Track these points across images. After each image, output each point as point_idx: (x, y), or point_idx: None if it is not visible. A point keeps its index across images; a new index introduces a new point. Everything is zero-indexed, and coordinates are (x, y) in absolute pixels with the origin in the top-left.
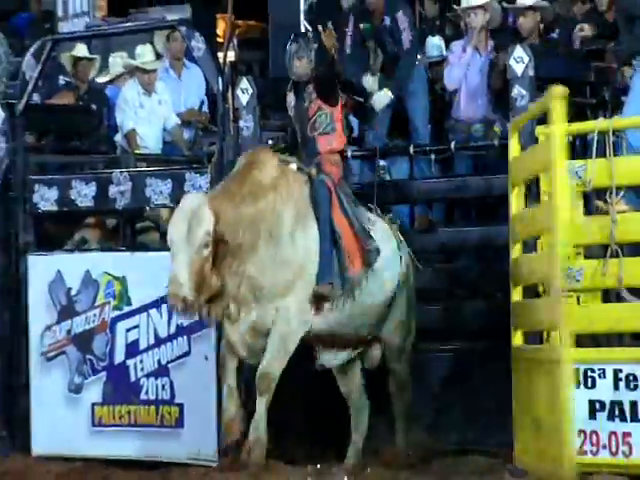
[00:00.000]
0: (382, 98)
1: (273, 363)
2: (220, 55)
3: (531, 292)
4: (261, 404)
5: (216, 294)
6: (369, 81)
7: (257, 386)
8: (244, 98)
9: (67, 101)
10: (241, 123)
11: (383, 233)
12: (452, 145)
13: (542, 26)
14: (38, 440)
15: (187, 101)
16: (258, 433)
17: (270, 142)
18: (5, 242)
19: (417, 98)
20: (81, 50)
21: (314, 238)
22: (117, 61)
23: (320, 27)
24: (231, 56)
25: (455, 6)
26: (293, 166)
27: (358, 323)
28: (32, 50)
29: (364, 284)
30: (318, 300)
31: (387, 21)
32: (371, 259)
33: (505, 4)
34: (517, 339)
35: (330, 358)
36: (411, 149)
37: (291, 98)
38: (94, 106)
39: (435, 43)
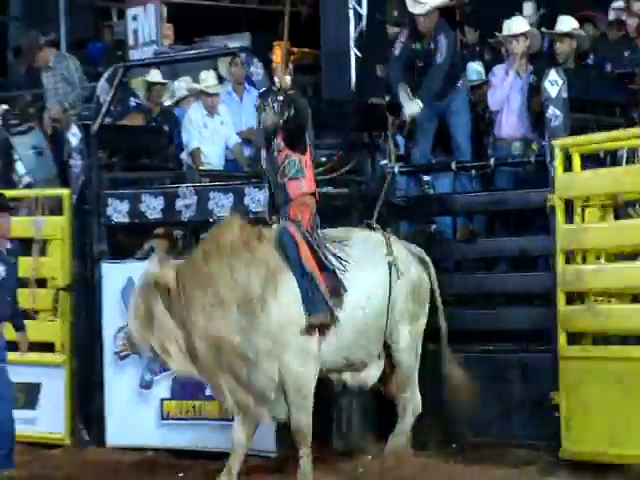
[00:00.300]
0: (412, 107)
1: (299, 417)
2: (277, 79)
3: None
4: (303, 456)
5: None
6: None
7: (295, 441)
8: None
9: (137, 122)
10: None
11: (365, 249)
12: (492, 161)
13: (577, 52)
14: (112, 433)
15: (247, 121)
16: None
17: (323, 159)
18: (81, 251)
19: (459, 117)
20: (155, 76)
21: (289, 289)
22: (182, 85)
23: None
24: (287, 80)
25: (497, 33)
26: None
27: (363, 341)
28: (105, 76)
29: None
30: (319, 329)
31: (433, 44)
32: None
33: (544, 30)
34: (562, 341)
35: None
36: (453, 165)
37: (263, 152)
38: (166, 127)
39: (475, 68)
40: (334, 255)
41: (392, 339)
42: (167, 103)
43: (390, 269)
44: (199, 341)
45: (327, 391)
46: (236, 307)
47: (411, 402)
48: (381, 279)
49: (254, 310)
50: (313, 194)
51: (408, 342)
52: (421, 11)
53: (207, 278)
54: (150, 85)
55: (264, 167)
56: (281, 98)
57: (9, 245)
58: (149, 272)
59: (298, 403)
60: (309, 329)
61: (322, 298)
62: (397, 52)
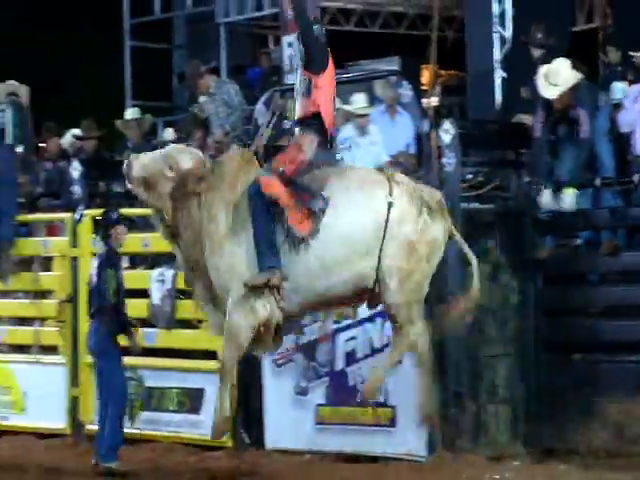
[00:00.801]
0: (569, 200)
1: (225, 353)
2: (425, 101)
3: None
4: (222, 389)
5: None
6: None
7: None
8: (446, 138)
9: None
10: (444, 160)
11: (356, 185)
12: (635, 178)
13: None
14: (270, 436)
15: (398, 142)
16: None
17: (470, 176)
18: None
19: (602, 136)
20: None
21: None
22: None
23: None
24: (435, 101)
25: (633, 53)
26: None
27: (334, 278)
28: (263, 99)
29: (315, 240)
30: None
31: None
32: (316, 219)
33: None
34: None
35: None
36: (598, 181)
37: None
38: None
39: (620, 87)
40: (320, 196)
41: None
42: None
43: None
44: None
45: (477, 399)
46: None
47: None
48: (369, 220)
49: (214, 248)
50: (317, 115)
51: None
52: (555, 94)
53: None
54: None
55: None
56: None
57: None
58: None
59: (226, 341)
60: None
61: (273, 257)
62: (537, 134)
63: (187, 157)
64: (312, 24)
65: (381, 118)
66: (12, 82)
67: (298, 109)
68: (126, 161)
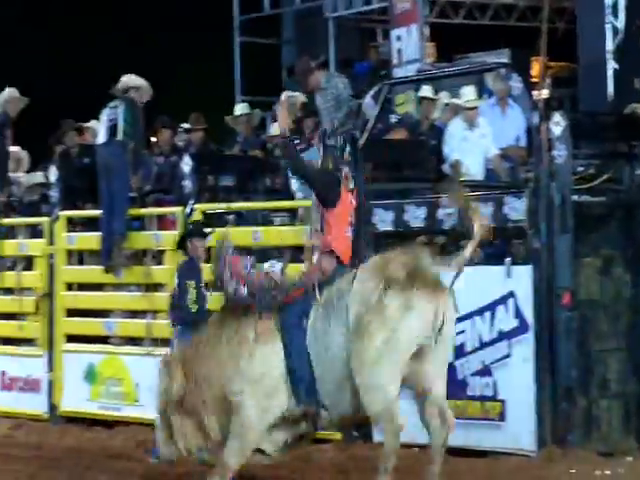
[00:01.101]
0: None
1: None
2: (535, 93)
3: None
4: None
5: None
6: None
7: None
8: (557, 130)
9: (400, 136)
10: (554, 153)
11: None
12: None
13: None
14: (377, 429)
15: (509, 135)
16: None
17: (581, 169)
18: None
19: None
20: (426, 91)
21: None
22: (441, 101)
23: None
24: (545, 93)
25: None
26: None
27: None
28: (371, 93)
29: None
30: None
31: None
32: None
33: None
34: None
35: None
36: None
37: None
38: (434, 141)
39: None
40: None
41: None
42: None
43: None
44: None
45: (588, 394)
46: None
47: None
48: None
49: None
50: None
51: None
52: None
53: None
54: (420, 100)
55: None
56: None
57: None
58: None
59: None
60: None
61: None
62: None
63: None
64: (312, 169)
65: (492, 111)
66: (133, 77)
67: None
68: None
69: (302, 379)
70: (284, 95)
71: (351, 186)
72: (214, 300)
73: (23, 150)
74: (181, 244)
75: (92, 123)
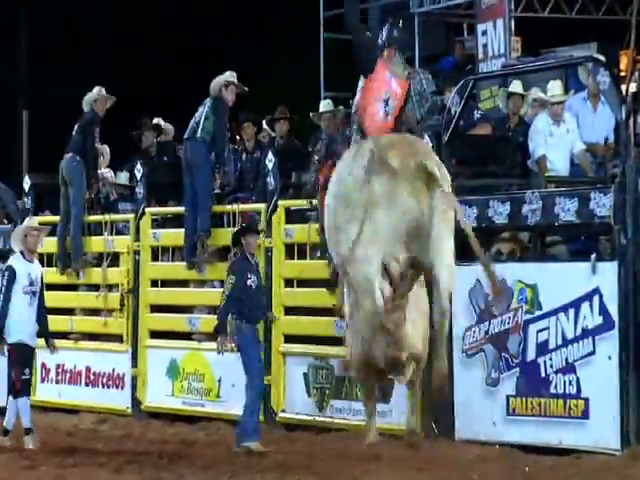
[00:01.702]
0: None
1: None
2: (623, 87)
3: None
4: None
5: None
6: None
7: None
8: None
9: (484, 132)
10: None
11: None
12: None
13: None
14: (460, 426)
15: (598, 132)
16: None
17: None
18: None
19: None
20: (516, 86)
21: None
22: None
23: None
24: (633, 87)
25: None
26: None
27: None
28: (456, 88)
29: None
30: None
31: None
32: None
33: None
34: None
35: None
36: None
37: None
38: (521, 138)
39: None
40: None
41: None
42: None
43: None
44: None
45: None
46: None
47: None
48: None
49: None
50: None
51: None
52: None
53: None
54: (510, 95)
55: None
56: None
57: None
58: None
59: None
60: None
61: None
62: None
63: None
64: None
65: (583, 105)
66: (228, 74)
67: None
68: None
69: None
70: None
71: (397, 70)
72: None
73: (103, 145)
74: (235, 240)
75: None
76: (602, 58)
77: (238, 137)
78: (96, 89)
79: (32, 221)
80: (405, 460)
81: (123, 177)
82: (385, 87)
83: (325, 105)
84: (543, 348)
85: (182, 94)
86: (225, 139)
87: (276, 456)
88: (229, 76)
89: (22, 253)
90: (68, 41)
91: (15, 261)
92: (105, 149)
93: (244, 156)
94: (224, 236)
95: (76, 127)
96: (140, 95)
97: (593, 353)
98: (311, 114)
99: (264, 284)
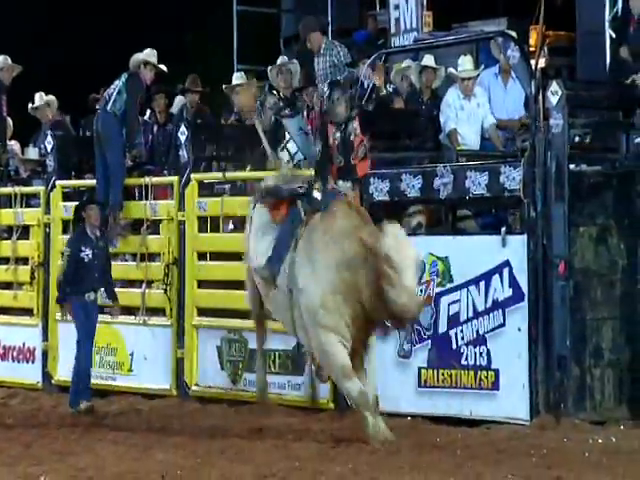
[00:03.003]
0: None
1: None
2: (533, 62)
3: None
4: None
5: None
6: None
7: None
8: (554, 99)
9: (397, 106)
10: (551, 121)
11: None
12: None
13: None
14: None
15: (508, 108)
16: None
17: (577, 139)
18: None
19: None
20: (428, 60)
21: None
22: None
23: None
24: (542, 62)
25: None
26: None
27: None
28: (369, 62)
29: None
30: None
31: None
32: None
33: None
34: None
35: None
36: None
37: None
38: (434, 112)
39: None
40: None
41: None
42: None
43: None
44: None
45: (581, 363)
46: None
47: None
48: None
49: None
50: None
51: None
52: None
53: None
54: (422, 69)
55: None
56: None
57: (98, 232)
58: None
59: None
60: None
61: None
62: None
63: None
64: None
65: (493, 81)
66: (148, 51)
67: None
68: None
69: None
70: (280, 59)
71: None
72: None
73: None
74: (77, 214)
75: None
76: (513, 33)
77: (149, 110)
78: (1, 57)
79: None
80: (320, 433)
81: (32, 152)
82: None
83: (237, 78)
84: (454, 320)
85: (94, 64)
86: (136, 117)
87: (190, 429)
88: (149, 55)
89: None
90: None
91: None
92: (8, 121)
93: (155, 128)
94: (136, 209)
95: None
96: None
97: (503, 325)
98: (224, 86)
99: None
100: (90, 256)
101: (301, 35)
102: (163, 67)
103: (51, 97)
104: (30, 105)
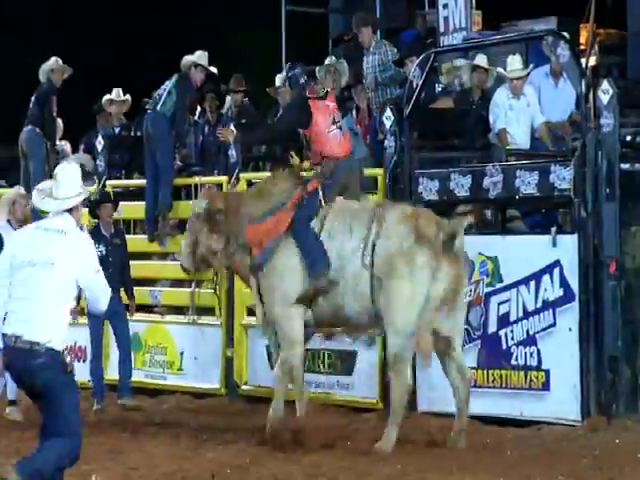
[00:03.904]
0: None
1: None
2: (583, 61)
3: None
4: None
5: None
6: None
7: None
8: (605, 98)
9: (446, 105)
10: (602, 121)
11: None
12: None
13: None
14: (422, 399)
15: (559, 109)
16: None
17: (628, 138)
18: None
19: None
20: (480, 60)
21: None
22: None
23: None
24: (593, 61)
25: None
26: None
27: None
28: (417, 61)
29: None
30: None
31: None
32: None
33: None
34: None
35: None
36: None
37: None
38: (484, 111)
39: None
40: None
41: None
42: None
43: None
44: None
45: (633, 363)
46: None
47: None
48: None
49: None
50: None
51: None
52: None
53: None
54: (474, 68)
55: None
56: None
57: (113, 230)
58: (200, 203)
59: None
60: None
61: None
62: None
63: None
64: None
65: (544, 81)
66: (199, 53)
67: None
68: None
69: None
70: (328, 59)
71: (320, 93)
72: None
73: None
74: (92, 212)
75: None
76: (565, 34)
77: (200, 109)
78: (52, 59)
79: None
80: (369, 433)
81: (84, 158)
82: (326, 114)
83: (281, 79)
84: (504, 320)
85: (142, 64)
86: (185, 118)
87: (240, 429)
88: (200, 57)
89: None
90: (20, 10)
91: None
92: (58, 122)
93: (206, 129)
94: (185, 209)
95: (33, 99)
96: (99, 65)
97: (554, 325)
98: (267, 89)
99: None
100: (104, 252)
101: (353, 27)
102: (213, 69)
103: (127, 96)
104: (107, 97)
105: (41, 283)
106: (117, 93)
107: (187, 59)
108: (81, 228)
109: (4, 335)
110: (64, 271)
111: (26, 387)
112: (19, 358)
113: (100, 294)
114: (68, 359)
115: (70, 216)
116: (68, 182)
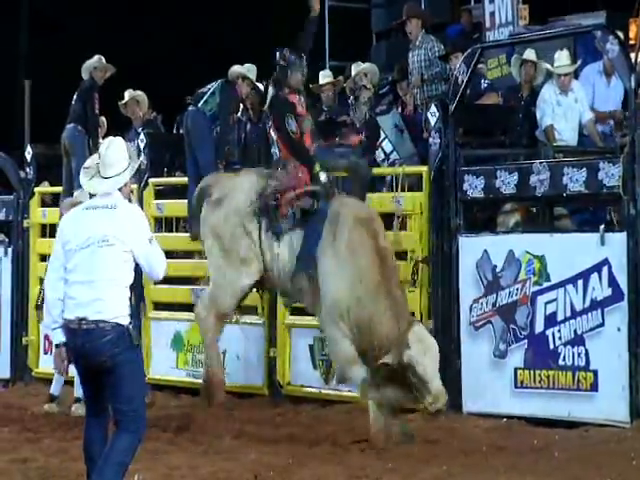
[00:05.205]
0: None
1: None
2: (632, 55)
3: None
4: None
5: None
6: None
7: None
8: None
9: (492, 101)
10: None
11: None
12: None
13: None
14: (467, 399)
15: (610, 107)
16: None
17: None
18: (439, 225)
19: None
20: (530, 54)
21: None
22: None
23: None
24: None
25: None
26: None
27: None
28: (463, 57)
29: None
30: None
31: None
32: None
33: None
34: None
35: None
36: None
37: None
38: (532, 107)
39: None
40: None
41: None
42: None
43: None
44: None
45: None
46: None
47: None
48: None
49: None
50: None
51: None
52: None
53: None
54: (522, 63)
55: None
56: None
57: None
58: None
59: None
60: None
61: None
62: None
63: None
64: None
65: (597, 78)
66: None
67: None
68: None
69: None
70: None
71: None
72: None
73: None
74: None
75: None
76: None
77: (242, 106)
78: (96, 57)
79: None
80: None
81: None
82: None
83: (324, 76)
84: (551, 320)
85: (184, 64)
86: (226, 123)
87: (283, 429)
88: (249, 70)
89: None
90: (69, 10)
91: None
92: (102, 120)
93: (248, 126)
94: None
95: (75, 96)
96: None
97: (602, 325)
98: (311, 85)
99: None
100: None
101: (404, 16)
102: (260, 85)
103: (139, 92)
104: (120, 102)
105: (99, 262)
106: (128, 94)
107: (235, 70)
108: (129, 200)
109: (67, 323)
110: (119, 245)
111: (92, 370)
112: (86, 340)
113: (156, 263)
114: (134, 333)
115: (117, 190)
116: (115, 158)
